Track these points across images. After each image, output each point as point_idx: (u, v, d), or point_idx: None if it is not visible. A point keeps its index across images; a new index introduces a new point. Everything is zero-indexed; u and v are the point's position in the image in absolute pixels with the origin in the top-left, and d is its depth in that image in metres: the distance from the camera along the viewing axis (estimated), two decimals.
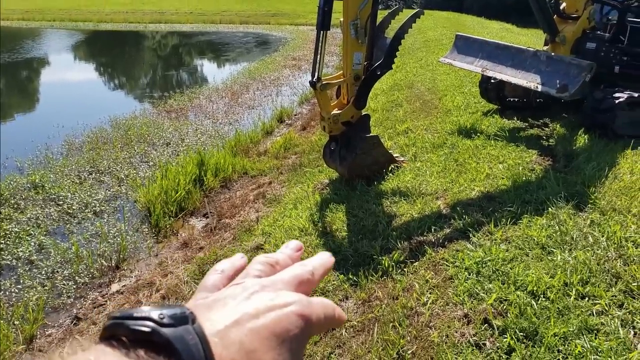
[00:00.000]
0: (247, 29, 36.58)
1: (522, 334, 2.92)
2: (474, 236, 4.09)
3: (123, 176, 8.31)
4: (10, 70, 21.22)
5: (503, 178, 5.19)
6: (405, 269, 3.84)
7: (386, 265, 3.91)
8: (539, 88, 6.27)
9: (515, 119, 7.40)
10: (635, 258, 3.53)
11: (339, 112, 5.62)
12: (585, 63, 5.97)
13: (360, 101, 5.66)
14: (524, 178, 5.13)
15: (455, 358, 2.86)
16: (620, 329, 2.88)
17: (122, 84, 20.70)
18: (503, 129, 7.04)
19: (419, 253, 4.02)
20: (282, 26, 34.97)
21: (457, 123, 7.53)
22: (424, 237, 4.21)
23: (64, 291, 5.48)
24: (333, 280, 3.90)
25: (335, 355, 3.15)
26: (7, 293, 5.39)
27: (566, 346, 2.79)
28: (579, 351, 2.72)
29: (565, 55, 6.89)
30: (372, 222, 4.71)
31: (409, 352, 2.98)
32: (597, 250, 3.66)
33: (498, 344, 2.90)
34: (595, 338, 2.83)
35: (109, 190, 7.82)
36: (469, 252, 3.85)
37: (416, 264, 3.88)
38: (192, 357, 0.44)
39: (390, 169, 6.02)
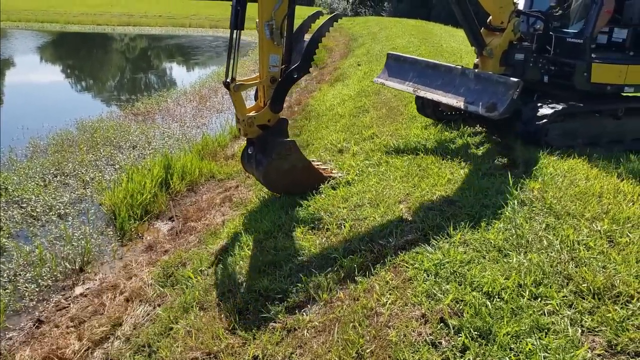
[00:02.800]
0: (216, 32, 36.50)
1: (476, 333, 3.02)
2: (434, 239, 4.20)
3: (88, 179, 8.25)
4: None
5: (463, 183, 5.33)
6: (367, 271, 3.93)
7: (348, 267, 3.99)
8: (468, 108, 6.36)
9: (478, 126, 7.56)
10: (586, 260, 3.68)
11: (254, 114, 5.56)
12: (512, 81, 6.06)
13: (277, 104, 5.57)
14: (483, 183, 5.27)
15: (412, 356, 2.94)
16: (569, 327, 3.01)
17: (89, 87, 20.46)
18: (464, 135, 7.20)
19: (381, 256, 4.11)
20: (252, 31, 34.83)
21: (421, 129, 7.67)
22: (386, 240, 4.31)
23: (26, 294, 5.45)
24: (296, 282, 3.96)
25: (296, 355, 3.21)
26: None
27: (518, 344, 2.90)
28: (529, 349, 2.84)
29: (494, 67, 7.06)
30: (335, 224, 4.79)
31: (368, 351, 3.06)
32: (551, 252, 3.80)
33: (453, 343, 2.99)
34: (546, 336, 2.95)
35: (74, 193, 7.76)
36: (428, 254, 3.95)
37: (377, 266, 3.96)
38: None
39: (350, 173, 6.11)
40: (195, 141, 10.19)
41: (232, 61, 5.24)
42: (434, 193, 5.16)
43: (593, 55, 6.77)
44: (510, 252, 3.85)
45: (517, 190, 4.95)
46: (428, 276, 3.67)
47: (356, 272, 3.93)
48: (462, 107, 6.48)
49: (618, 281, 3.37)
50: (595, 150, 6.43)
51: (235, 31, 5.22)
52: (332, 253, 4.24)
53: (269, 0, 5.21)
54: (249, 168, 6.04)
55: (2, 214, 6.99)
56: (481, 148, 6.57)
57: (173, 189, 7.83)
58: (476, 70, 6.82)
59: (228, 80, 5.27)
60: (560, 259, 3.70)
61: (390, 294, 3.57)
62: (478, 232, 4.22)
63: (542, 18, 7.01)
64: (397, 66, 7.62)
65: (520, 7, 7.44)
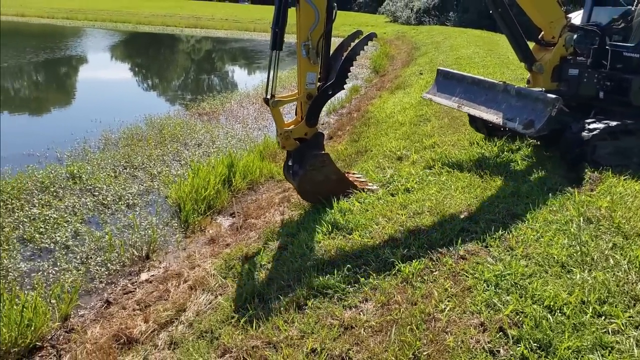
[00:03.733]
0: None
1: (536, 344, 3.02)
2: (495, 250, 4.20)
3: (156, 172, 8.59)
4: (51, 66, 21.81)
5: (527, 197, 5.28)
6: (425, 277, 3.97)
7: (406, 272, 4.04)
8: (507, 124, 6.25)
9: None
10: None
11: (291, 128, 5.86)
12: (550, 98, 5.90)
13: (311, 119, 5.82)
14: (548, 198, 5.21)
15: None
16: (635, 348, 2.96)
17: (155, 85, 21.21)
18: (529, 146, 7.11)
19: (440, 263, 4.14)
20: None
21: (483, 140, 7.61)
22: (446, 249, 4.33)
23: (97, 276, 5.76)
24: (353, 282, 4.04)
25: (353, 351, 3.28)
26: (45, 274, 5.67)
27: (579, 359, 2.89)
28: None
29: (545, 83, 6.89)
30: (394, 230, 4.85)
31: (425, 353, 3.10)
32: (618, 272, 3.74)
33: (512, 352, 3.00)
34: (609, 355, 2.92)
35: (142, 185, 8.10)
36: (489, 265, 3.96)
37: (436, 273, 4.00)
38: None
39: (410, 181, 6.15)
40: (257, 142, 10.42)
41: (271, 79, 5.58)
42: (496, 205, 5.14)
43: None
44: (574, 269, 3.81)
45: (582, 208, 4.88)
46: (488, 286, 3.69)
47: (414, 278, 3.97)
48: (502, 123, 6.36)
49: None
50: None
51: (273, 51, 5.55)
52: (390, 257, 4.30)
53: (305, 23, 5.45)
54: (288, 178, 6.30)
55: (76, 200, 7.37)
56: (547, 163, 6.46)
57: (235, 187, 8.06)
58: (517, 87, 6.59)
59: (267, 97, 5.63)
60: (627, 279, 3.64)
61: (448, 301, 3.60)
62: (541, 246, 4.19)
63: (599, 32, 6.73)
64: (446, 82, 7.53)
65: (577, 21, 7.22)
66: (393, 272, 4.12)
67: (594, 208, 4.88)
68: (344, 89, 6.05)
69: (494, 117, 6.47)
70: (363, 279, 4.07)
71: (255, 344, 3.56)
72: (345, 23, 47.56)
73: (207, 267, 5.38)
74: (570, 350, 2.94)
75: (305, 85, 5.74)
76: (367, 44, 6.09)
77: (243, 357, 3.48)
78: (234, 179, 8.15)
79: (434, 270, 4.07)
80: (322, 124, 12.65)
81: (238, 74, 24.61)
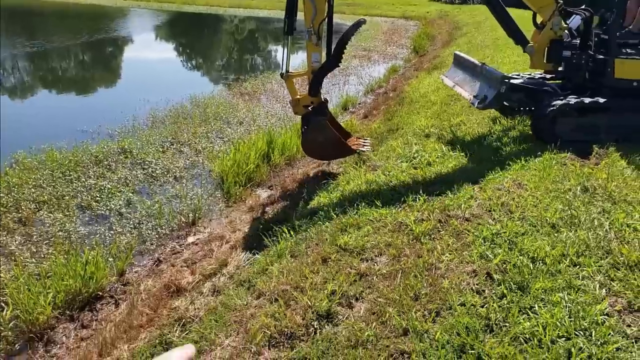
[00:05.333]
0: None
1: (515, 285, 3.63)
2: (496, 214, 4.78)
3: (200, 148, 9.35)
4: (96, 47, 22.86)
5: (535, 169, 5.80)
6: (432, 236, 4.59)
7: (417, 231, 4.66)
8: (471, 100, 7.07)
9: None
10: (630, 240, 4.14)
11: (298, 96, 7.12)
12: (500, 76, 6.70)
13: (313, 90, 6.99)
14: (554, 171, 5.72)
15: (459, 299, 3.60)
16: (597, 289, 3.54)
17: (199, 65, 21.94)
18: None
19: (447, 224, 4.75)
20: (357, 16, 35.40)
21: (505, 118, 8.09)
22: (455, 212, 4.93)
23: (148, 239, 6.52)
24: (371, 241, 4.68)
25: (365, 292, 3.94)
26: (102, 237, 6.46)
27: (548, 296, 3.47)
28: (556, 300, 3.41)
29: (540, 64, 7.36)
30: (411, 198, 5.46)
31: (423, 292, 3.74)
32: (599, 231, 4.28)
33: (494, 291, 3.62)
34: (575, 293, 3.50)
35: (188, 160, 8.87)
36: (488, 225, 4.55)
37: (442, 232, 4.61)
38: None
39: (432, 156, 6.74)
40: (295, 120, 11.04)
41: (285, 58, 7.07)
42: (505, 176, 5.69)
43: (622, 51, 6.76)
44: (562, 229, 4.37)
45: (582, 179, 5.38)
46: (484, 242, 4.29)
47: (423, 236, 4.60)
48: (469, 99, 7.17)
49: None
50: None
51: (286, 36, 6.97)
52: (405, 220, 4.92)
53: (308, 13, 6.67)
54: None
55: (128, 173, 8.19)
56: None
57: (273, 162, 8.75)
58: (486, 67, 7.26)
59: (283, 72, 7.06)
60: (605, 237, 4.19)
61: (449, 254, 4.22)
62: (537, 210, 4.75)
63: (583, 15, 7.05)
64: (456, 65, 8.42)
65: None
66: (406, 232, 4.75)
67: (593, 179, 5.39)
68: (338, 66, 7.05)
69: (467, 94, 7.33)
70: (379, 237, 4.71)
71: (285, 288, 4.25)
72: (389, 2, 47.73)
73: (247, 230, 6.10)
74: (542, 290, 3.53)
75: (311, 64, 6.92)
76: (357, 30, 7.04)
77: (275, 298, 4.17)
78: (273, 155, 8.84)
79: (441, 230, 4.68)
80: (359, 104, 13.23)
81: (280, 54, 25.09)
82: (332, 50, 6.93)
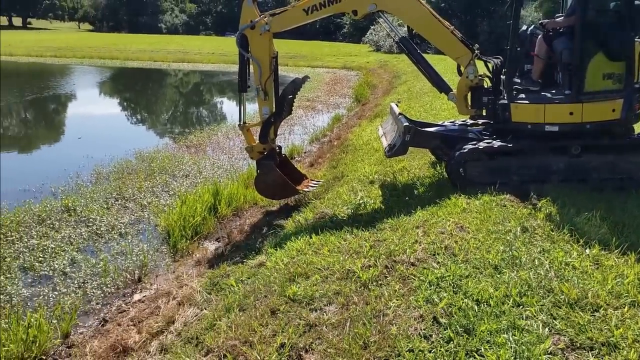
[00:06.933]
0: None
1: (461, 329, 3.68)
2: (440, 257, 4.87)
3: (146, 203, 9.21)
4: (39, 104, 22.47)
5: (476, 212, 5.97)
6: (380, 282, 4.63)
7: (364, 278, 4.70)
8: (385, 149, 7.60)
9: None
10: (569, 278, 4.28)
11: (253, 145, 8.09)
12: (404, 126, 7.11)
13: (262, 138, 7.91)
14: (494, 212, 5.90)
15: (407, 345, 3.62)
16: (540, 328, 3.63)
17: (144, 119, 21.82)
18: None
19: (393, 270, 4.80)
20: (299, 68, 36.27)
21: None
22: (400, 257, 5.00)
23: (93, 298, 6.32)
24: (320, 290, 4.68)
25: (315, 343, 3.92)
26: (46, 298, 6.23)
27: (493, 338, 3.54)
28: (501, 341, 3.48)
29: (462, 110, 7.57)
30: (359, 245, 5.51)
31: (372, 340, 3.75)
32: (540, 270, 4.42)
33: (441, 335, 3.66)
34: (519, 334, 3.58)
35: (133, 215, 8.71)
36: (433, 269, 4.63)
37: (389, 277, 4.66)
38: None
39: (377, 202, 6.85)
40: (242, 171, 11.05)
41: (241, 111, 8.25)
42: (448, 220, 5.83)
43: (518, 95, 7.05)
44: (505, 270, 4.49)
45: (522, 219, 5.57)
46: (430, 286, 4.35)
47: (370, 283, 4.63)
48: (385, 147, 7.67)
49: (590, 294, 3.97)
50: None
51: (241, 93, 8.18)
52: (352, 267, 4.96)
53: (255, 72, 7.66)
54: None
55: (72, 231, 7.98)
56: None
57: (220, 213, 8.69)
58: (399, 117, 7.70)
59: (240, 123, 8.19)
60: (546, 276, 4.32)
61: (397, 300, 4.26)
62: (480, 252, 4.87)
63: (492, 62, 7.37)
64: (390, 115, 8.78)
65: None
66: (354, 279, 4.77)
67: (532, 219, 5.58)
68: (281, 116, 8.07)
69: (385, 143, 7.86)
70: (328, 286, 4.72)
71: (234, 343, 4.17)
72: (330, 53, 48.94)
73: (194, 285, 5.99)
74: (487, 332, 3.60)
75: (262, 116, 7.87)
76: (298, 88, 8.20)
77: (223, 354, 4.09)
78: (220, 206, 8.78)
79: (387, 275, 4.73)
80: (305, 152, 13.37)
81: (225, 106, 25.30)
82: (276, 102, 7.58)
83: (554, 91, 7.18)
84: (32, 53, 44.91)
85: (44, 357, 5.14)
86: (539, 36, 7.33)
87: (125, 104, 25.70)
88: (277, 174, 7.87)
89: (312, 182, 8.96)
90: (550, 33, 7.25)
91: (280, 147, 8.49)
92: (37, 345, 5.12)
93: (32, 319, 5.29)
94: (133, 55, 44.86)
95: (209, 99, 28.47)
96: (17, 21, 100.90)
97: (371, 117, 16.17)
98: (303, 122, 17.29)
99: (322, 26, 74.22)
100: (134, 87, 31.48)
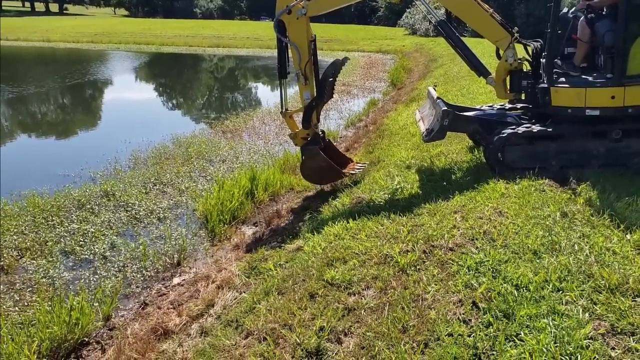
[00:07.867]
0: None
1: (501, 313, 3.67)
2: (479, 242, 4.84)
3: (184, 188, 9.37)
4: (76, 90, 22.91)
5: (515, 197, 5.90)
6: (417, 267, 4.63)
7: (402, 263, 4.71)
8: (423, 133, 7.53)
9: None
10: (609, 263, 4.22)
11: (296, 131, 8.06)
12: (442, 110, 7.00)
13: (305, 123, 7.85)
14: (533, 197, 5.82)
15: (447, 329, 3.63)
16: (581, 313, 3.59)
17: (180, 104, 22.05)
18: None
19: (431, 254, 4.80)
20: (334, 52, 36.04)
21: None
22: (438, 242, 4.99)
23: (133, 282, 6.48)
24: (358, 274, 4.71)
25: (354, 327, 3.96)
26: (87, 281, 6.41)
27: (533, 322, 3.52)
28: (541, 326, 3.46)
29: (501, 94, 7.46)
30: (396, 230, 5.52)
31: (411, 324, 3.77)
32: (580, 256, 4.36)
33: (480, 320, 3.66)
34: (559, 318, 3.55)
35: (171, 200, 8.87)
36: (472, 254, 4.61)
37: (427, 262, 4.66)
38: None
39: (414, 187, 6.83)
40: (278, 157, 11.13)
41: (282, 97, 8.15)
42: (486, 205, 5.78)
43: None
44: (544, 255, 4.45)
45: (561, 204, 5.49)
46: (469, 271, 4.34)
47: (408, 267, 4.64)
48: (422, 131, 7.63)
49: (632, 280, 3.91)
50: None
51: (281, 79, 8.11)
52: (390, 252, 4.97)
53: (294, 57, 7.64)
54: None
55: (111, 216, 8.17)
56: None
57: (257, 198, 8.78)
58: (437, 101, 7.52)
59: (282, 110, 8.09)
60: (586, 261, 4.26)
61: (435, 284, 4.27)
62: (519, 237, 4.82)
63: (532, 45, 7.26)
64: (428, 99, 8.65)
65: None
66: (392, 264, 4.79)
67: (572, 204, 5.49)
68: (324, 100, 7.98)
69: (422, 128, 7.79)
70: (365, 270, 4.75)
71: (273, 326, 4.25)
72: (366, 37, 48.55)
73: (232, 269, 6.10)
74: (527, 317, 3.58)
75: (303, 101, 7.82)
76: (340, 68, 8.13)
77: (263, 337, 4.17)
78: (257, 191, 8.87)
79: (425, 260, 4.73)
80: (340, 137, 13.35)
81: (260, 91, 25.44)
82: (317, 86, 7.56)
83: (595, 74, 7.01)
84: (68, 39, 45.74)
85: (86, 339, 5.31)
86: (581, 19, 7.15)
87: (161, 89, 26.04)
88: (322, 158, 7.85)
89: (358, 164, 8.89)
90: (593, 16, 7.06)
91: (323, 132, 8.40)
92: (79, 327, 5.28)
93: (74, 302, 5.45)
94: (168, 41, 45.30)
95: (244, 84, 28.60)
96: (53, 7, 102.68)
97: (407, 101, 16.04)
98: (338, 106, 17.25)
99: (357, 9, 73.59)
100: (169, 73, 31.83)
